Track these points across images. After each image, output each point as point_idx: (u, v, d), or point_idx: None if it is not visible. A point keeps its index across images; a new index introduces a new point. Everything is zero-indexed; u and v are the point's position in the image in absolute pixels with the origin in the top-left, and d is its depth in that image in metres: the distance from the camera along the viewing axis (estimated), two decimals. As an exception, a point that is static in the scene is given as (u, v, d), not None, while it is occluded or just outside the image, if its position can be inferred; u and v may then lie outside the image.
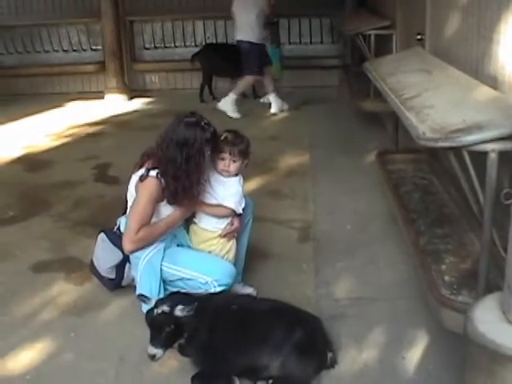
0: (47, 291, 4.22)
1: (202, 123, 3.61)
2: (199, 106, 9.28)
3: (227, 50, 9.96)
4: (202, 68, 9.99)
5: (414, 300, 3.84)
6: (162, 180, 3.58)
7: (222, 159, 3.77)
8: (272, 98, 9.18)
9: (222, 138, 3.74)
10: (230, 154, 3.76)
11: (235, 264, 3.92)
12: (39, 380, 3.36)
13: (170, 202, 3.65)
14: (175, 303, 3.25)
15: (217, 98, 9.86)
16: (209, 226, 3.88)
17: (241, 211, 3.87)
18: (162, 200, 3.65)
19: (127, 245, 3.67)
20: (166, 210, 3.72)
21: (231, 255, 3.91)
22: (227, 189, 3.82)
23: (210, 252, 3.85)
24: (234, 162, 3.78)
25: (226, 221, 3.86)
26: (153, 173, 3.57)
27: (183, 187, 3.58)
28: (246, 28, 8.88)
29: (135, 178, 3.67)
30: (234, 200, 3.81)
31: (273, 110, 9.15)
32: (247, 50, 8.94)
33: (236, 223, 3.89)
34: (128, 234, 3.65)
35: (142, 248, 3.69)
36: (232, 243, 3.92)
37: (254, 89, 10.11)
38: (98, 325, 3.84)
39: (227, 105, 8.94)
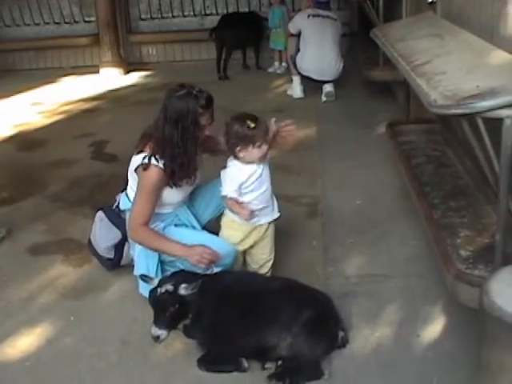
0: (45, 274, 4.26)
1: (194, 92, 3.56)
2: (212, 78, 9.29)
3: (244, 20, 9.88)
4: (222, 43, 9.63)
5: (428, 276, 3.87)
6: (163, 165, 3.56)
7: (259, 147, 3.60)
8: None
9: (251, 126, 3.55)
10: (263, 138, 3.61)
11: None
12: (39, 366, 3.39)
13: (169, 185, 3.65)
14: (179, 282, 3.27)
15: (228, 77, 9.78)
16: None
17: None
18: (166, 185, 3.66)
19: (131, 234, 3.71)
20: (168, 195, 3.73)
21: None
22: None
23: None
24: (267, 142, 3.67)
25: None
26: (154, 161, 3.54)
27: (181, 165, 3.58)
28: None
29: (136, 160, 3.63)
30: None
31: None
32: None
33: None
34: (132, 223, 3.64)
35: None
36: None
37: (258, 59, 10.09)
38: (99, 308, 3.88)
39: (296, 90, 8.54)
